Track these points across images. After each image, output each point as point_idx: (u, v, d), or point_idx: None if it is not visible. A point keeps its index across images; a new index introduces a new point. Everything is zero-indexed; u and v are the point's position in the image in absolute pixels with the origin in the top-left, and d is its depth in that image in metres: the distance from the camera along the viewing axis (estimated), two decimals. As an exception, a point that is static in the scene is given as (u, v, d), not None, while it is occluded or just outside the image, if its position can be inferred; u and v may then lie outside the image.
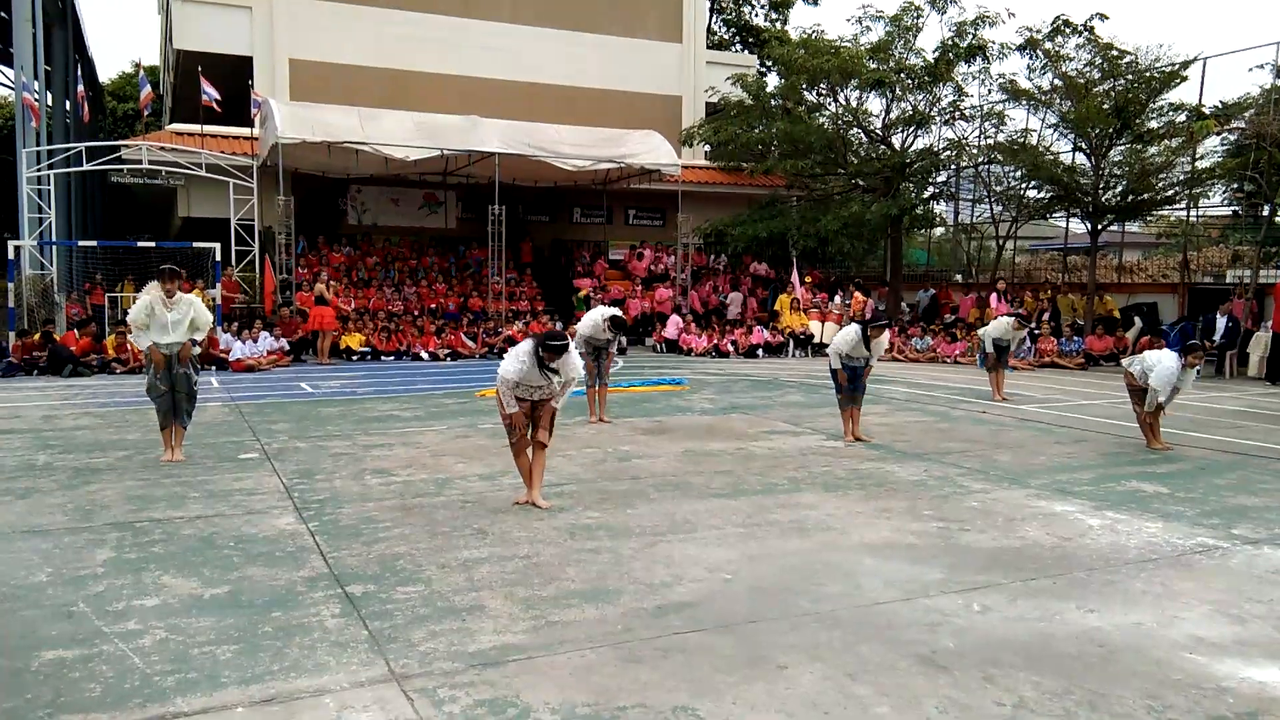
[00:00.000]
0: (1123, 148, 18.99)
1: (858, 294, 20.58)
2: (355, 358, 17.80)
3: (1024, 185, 21.23)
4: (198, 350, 8.16)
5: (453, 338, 18.68)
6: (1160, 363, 8.37)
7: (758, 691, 3.57)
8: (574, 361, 6.41)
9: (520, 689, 3.57)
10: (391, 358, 17.98)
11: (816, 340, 19.54)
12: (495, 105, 22.26)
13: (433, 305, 20.54)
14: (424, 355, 17.98)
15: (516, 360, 6.23)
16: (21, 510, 6.23)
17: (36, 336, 15.44)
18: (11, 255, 16.19)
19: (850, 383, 8.97)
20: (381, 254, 22.35)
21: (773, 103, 22.97)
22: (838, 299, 20.49)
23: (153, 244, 17.77)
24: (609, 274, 23.52)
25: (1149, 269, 25.34)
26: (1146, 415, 8.71)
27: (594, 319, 10.33)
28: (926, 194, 22.35)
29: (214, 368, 15.94)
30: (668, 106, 25.78)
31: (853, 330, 9.11)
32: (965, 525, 5.99)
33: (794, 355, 19.22)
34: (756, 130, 23.01)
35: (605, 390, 10.40)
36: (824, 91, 22.63)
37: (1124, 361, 9.02)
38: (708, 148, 25.39)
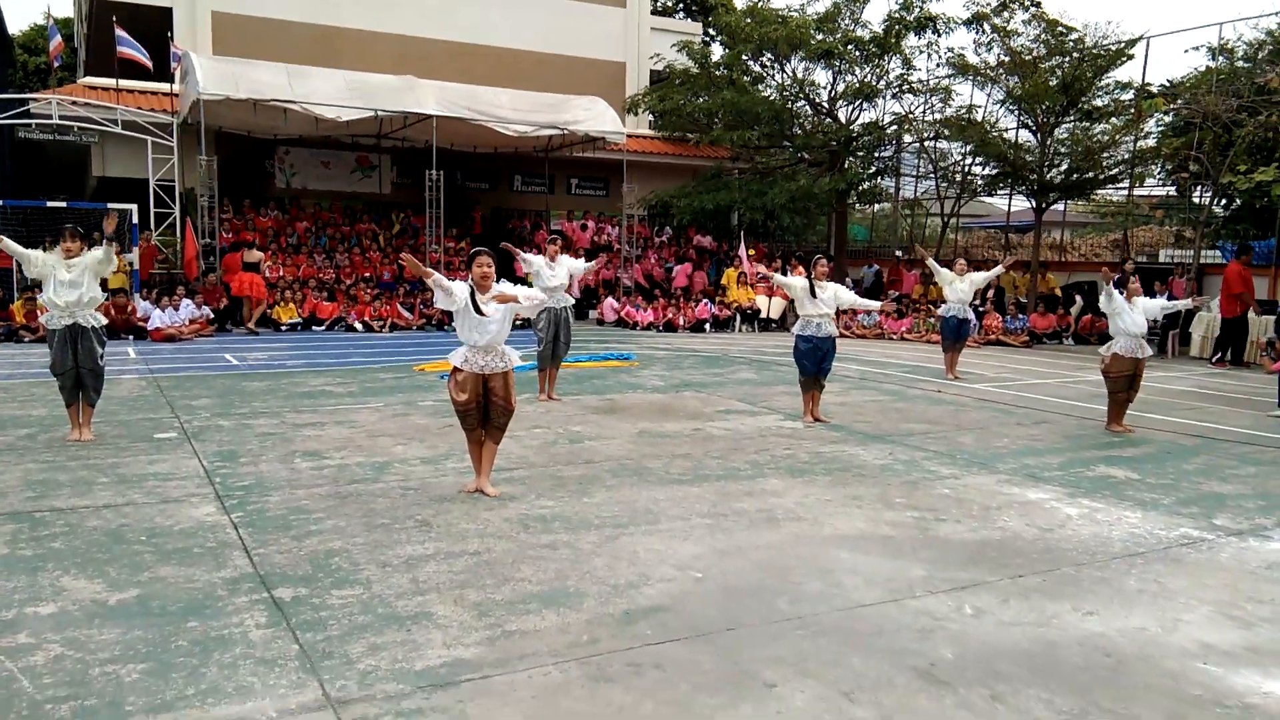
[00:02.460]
0: (1069, 125, 18.99)
1: (799, 267, 20.30)
2: (284, 327, 16.97)
3: (970, 161, 21.17)
4: (103, 319, 7.45)
5: (388, 308, 17.94)
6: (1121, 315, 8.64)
7: (746, 716, 3.18)
8: (504, 287, 5.94)
9: (477, 717, 3.12)
10: (322, 327, 17.19)
11: (763, 315, 19.27)
12: (431, 66, 21.33)
13: (367, 274, 19.71)
14: (358, 326, 17.23)
15: (454, 284, 5.79)
16: (-99, 499, 5.55)
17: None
18: (-96, 213, 14.96)
19: (814, 363, 8.62)
20: (312, 219, 21.36)
21: (718, 72, 22.49)
22: (778, 275, 20.13)
23: (64, 204, 16.61)
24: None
25: (1080, 248, 25.64)
26: (1122, 395, 8.63)
27: (536, 263, 9.71)
28: (872, 169, 22.10)
29: (131, 337, 15.04)
30: (611, 73, 25.09)
31: (799, 284, 8.74)
32: (940, 515, 5.69)
33: (741, 330, 18.92)
34: (702, 99, 22.53)
35: (556, 369, 9.89)
36: (770, 62, 22.25)
37: (1102, 349, 8.90)
38: (652, 116, 24.83)
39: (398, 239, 21.63)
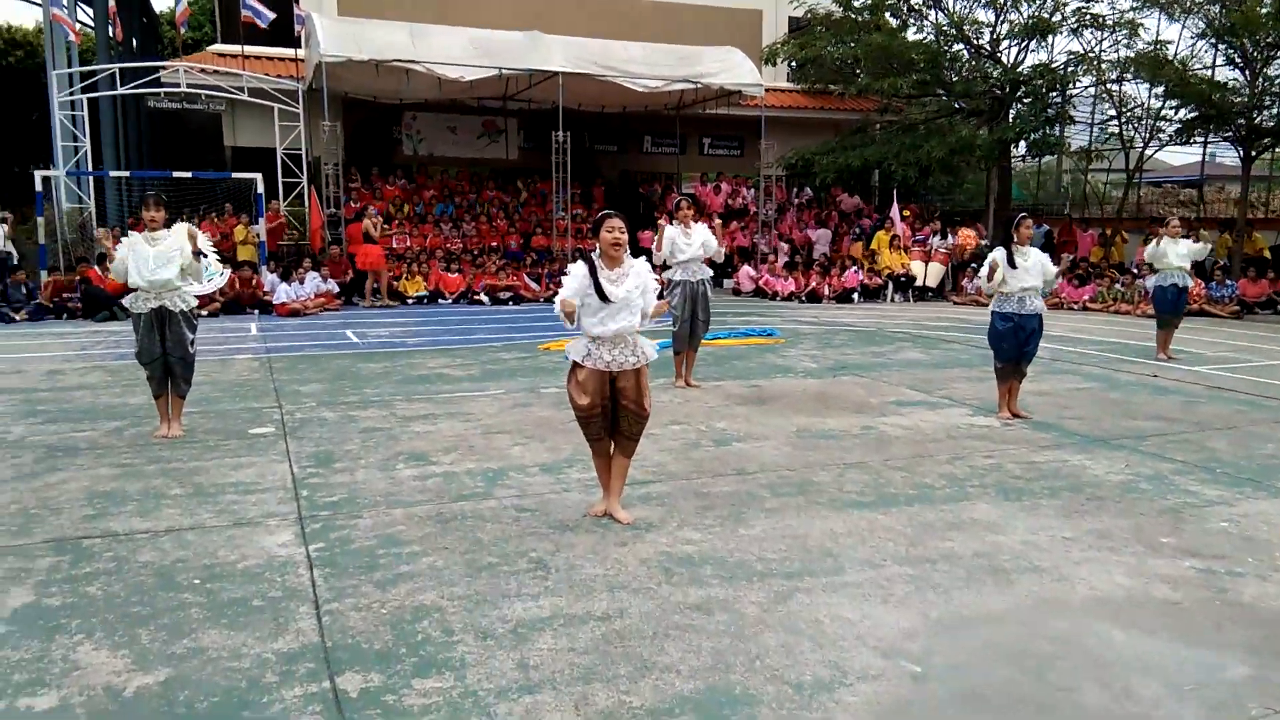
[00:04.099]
0: (1286, 59, 16.31)
1: (964, 230, 18.33)
2: (410, 301, 16.34)
3: (1161, 106, 18.60)
4: (193, 301, 6.62)
5: (515, 279, 17.06)
6: None
7: None
8: (644, 268, 4.72)
9: None
10: (449, 300, 16.48)
11: (919, 283, 17.47)
12: (557, 21, 20.14)
13: (493, 243, 18.91)
14: (484, 299, 16.41)
15: (569, 282, 4.60)
16: (-51, 515, 4.80)
17: (64, 276, 14.22)
18: (39, 187, 14.93)
19: (1015, 345, 7.06)
20: (439, 187, 20.71)
21: (864, 17, 20.48)
22: (935, 239, 18.18)
23: (189, 174, 16.38)
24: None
25: (1273, 203, 22.56)
26: None
27: (672, 235, 8.51)
28: (1042, 117, 19.69)
29: (256, 312, 14.64)
30: (747, 22, 23.34)
31: (996, 255, 7.14)
32: (1233, 565, 4.17)
33: (893, 300, 17.18)
34: (847, 46, 20.62)
35: (695, 351, 8.65)
36: (922, 2, 20.15)
37: None
38: (790, 67, 23.04)
39: (524, 207, 20.77)
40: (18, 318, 13.23)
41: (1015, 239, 7.15)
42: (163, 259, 6.33)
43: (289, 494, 5.17)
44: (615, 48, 18.20)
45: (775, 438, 6.51)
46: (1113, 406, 7.62)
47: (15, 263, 14.58)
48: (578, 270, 4.59)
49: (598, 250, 4.68)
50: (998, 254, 7.06)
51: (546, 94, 18.60)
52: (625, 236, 4.68)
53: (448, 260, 17.22)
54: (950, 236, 17.69)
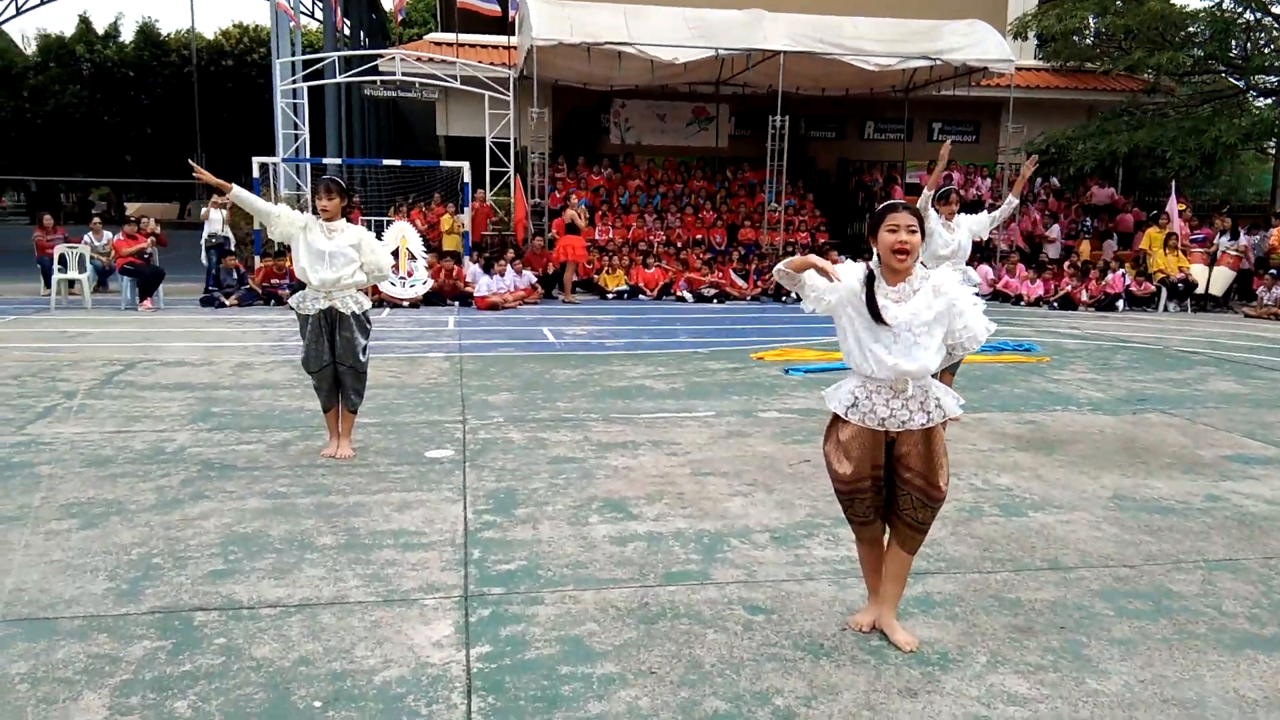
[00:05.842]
0: None
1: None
2: (610, 296, 15.41)
3: None
4: (366, 303, 5.68)
5: (721, 275, 15.79)
6: None
7: None
8: (947, 280, 3.26)
9: None
10: (649, 295, 15.43)
11: (1200, 290, 14.75)
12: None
13: (698, 236, 17.71)
14: (688, 296, 15.24)
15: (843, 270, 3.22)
16: (67, 555, 4.00)
17: (276, 262, 14.18)
18: (256, 173, 15.07)
19: None
20: (644, 176, 19.73)
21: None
22: (1223, 239, 15.33)
23: (398, 162, 16.16)
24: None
25: None
26: None
27: (930, 226, 6.89)
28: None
29: (457, 304, 14.13)
30: (990, -7, 20.96)
31: None
32: None
33: (1168, 309, 14.58)
34: (1110, 17, 17.94)
35: (953, 375, 7.03)
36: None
37: None
38: (1038, 43, 20.44)
39: (732, 198, 19.44)
40: (228, 303, 13.28)
41: None
42: (335, 258, 5.42)
43: (457, 554, 4.08)
44: (844, 24, 16.53)
45: (1085, 507, 4.85)
46: None
47: (231, 248, 14.72)
48: (854, 269, 3.22)
49: (875, 258, 3.28)
50: None
51: (763, 77, 17.24)
52: (918, 239, 3.22)
53: (644, 254, 16.14)
54: (1243, 236, 14.85)
